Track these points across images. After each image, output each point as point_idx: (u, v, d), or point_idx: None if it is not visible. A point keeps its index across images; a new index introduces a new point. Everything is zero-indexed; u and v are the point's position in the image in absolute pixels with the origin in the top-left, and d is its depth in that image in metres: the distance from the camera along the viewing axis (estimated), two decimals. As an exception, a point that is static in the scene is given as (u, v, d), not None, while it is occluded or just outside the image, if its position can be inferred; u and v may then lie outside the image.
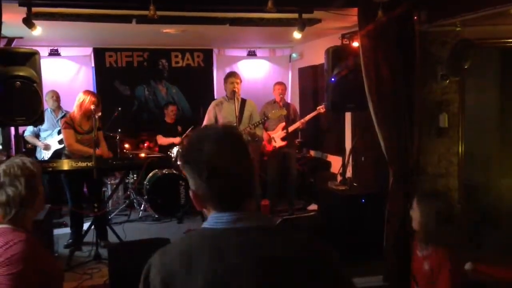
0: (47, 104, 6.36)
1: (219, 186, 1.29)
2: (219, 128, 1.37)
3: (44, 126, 6.19)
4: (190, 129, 6.80)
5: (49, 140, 6.45)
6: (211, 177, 1.27)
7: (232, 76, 5.63)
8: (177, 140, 6.87)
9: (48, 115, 6.34)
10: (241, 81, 5.64)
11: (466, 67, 4.47)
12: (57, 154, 6.24)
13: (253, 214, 1.33)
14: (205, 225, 1.32)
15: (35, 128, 6.37)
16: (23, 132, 6.50)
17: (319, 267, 1.28)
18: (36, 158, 6.48)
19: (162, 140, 7.10)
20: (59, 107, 6.60)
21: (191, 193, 1.35)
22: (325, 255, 1.32)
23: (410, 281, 3.02)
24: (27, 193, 2.08)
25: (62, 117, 6.32)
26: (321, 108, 6.48)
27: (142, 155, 6.44)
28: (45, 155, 6.40)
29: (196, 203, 1.35)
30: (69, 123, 5.25)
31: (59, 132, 6.40)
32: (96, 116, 5.06)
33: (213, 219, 1.31)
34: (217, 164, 1.27)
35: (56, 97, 6.56)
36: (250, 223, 1.29)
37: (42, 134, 6.47)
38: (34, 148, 6.64)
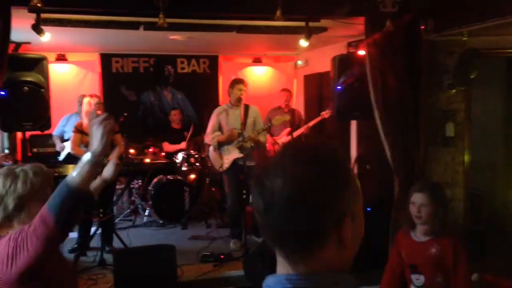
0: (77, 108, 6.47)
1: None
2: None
3: (67, 129, 6.26)
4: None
5: (67, 142, 6.50)
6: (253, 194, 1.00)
7: (240, 83, 5.61)
8: (183, 146, 6.87)
9: (74, 119, 6.41)
10: (247, 88, 5.65)
11: (472, 76, 4.48)
12: (70, 157, 6.25)
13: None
14: None
15: (62, 129, 6.43)
16: (30, 136, 6.54)
17: None
18: (45, 162, 6.51)
19: (168, 147, 7.11)
20: None
21: None
22: None
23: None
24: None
25: None
26: (325, 114, 6.50)
27: (147, 160, 6.48)
28: (61, 156, 6.45)
29: None
30: (77, 127, 5.35)
31: None
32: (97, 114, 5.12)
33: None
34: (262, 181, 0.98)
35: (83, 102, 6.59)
36: None
37: (65, 136, 6.52)
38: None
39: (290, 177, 0.95)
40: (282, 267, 1.01)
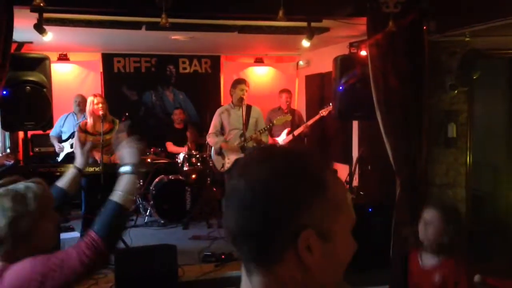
0: (73, 108, 6.53)
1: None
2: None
3: (64, 129, 6.25)
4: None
5: (65, 142, 6.50)
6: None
7: (242, 83, 5.62)
8: (185, 149, 6.88)
9: (70, 119, 6.42)
10: (249, 88, 5.65)
11: (475, 77, 4.47)
12: (69, 157, 6.27)
13: None
14: None
15: (59, 130, 6.44)
16: (32, 136, 6.54)
17: None
18: (46, 161, 6.54)
19: (172, 148, 7.11)
20: (81, 111, 6.61)
21: None
22: None
23: None
24: (8, 233, 1.71)
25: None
26: (323, 111, 6.50)
27: (149, 160, 6.48)
28: (60, 157, 6.45)
29: None
30: (81, 127, 5.39)
31: (71, 136, 6.44)
32: (100, 114, 5.14)
33: None
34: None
35: (79, 102, 6.60)
36: None
37: (63, 136, 6.52)
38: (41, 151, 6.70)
39: (250, 176, 0.89)
40: (244, 282, 0.94)
